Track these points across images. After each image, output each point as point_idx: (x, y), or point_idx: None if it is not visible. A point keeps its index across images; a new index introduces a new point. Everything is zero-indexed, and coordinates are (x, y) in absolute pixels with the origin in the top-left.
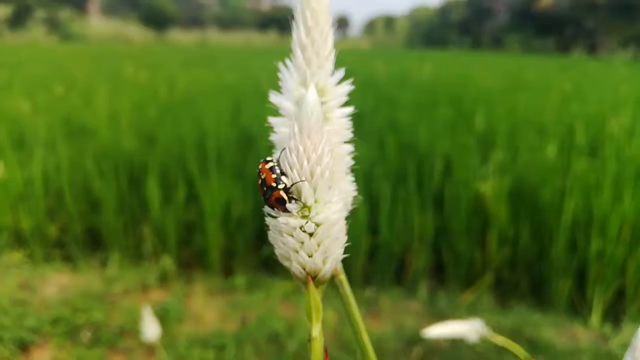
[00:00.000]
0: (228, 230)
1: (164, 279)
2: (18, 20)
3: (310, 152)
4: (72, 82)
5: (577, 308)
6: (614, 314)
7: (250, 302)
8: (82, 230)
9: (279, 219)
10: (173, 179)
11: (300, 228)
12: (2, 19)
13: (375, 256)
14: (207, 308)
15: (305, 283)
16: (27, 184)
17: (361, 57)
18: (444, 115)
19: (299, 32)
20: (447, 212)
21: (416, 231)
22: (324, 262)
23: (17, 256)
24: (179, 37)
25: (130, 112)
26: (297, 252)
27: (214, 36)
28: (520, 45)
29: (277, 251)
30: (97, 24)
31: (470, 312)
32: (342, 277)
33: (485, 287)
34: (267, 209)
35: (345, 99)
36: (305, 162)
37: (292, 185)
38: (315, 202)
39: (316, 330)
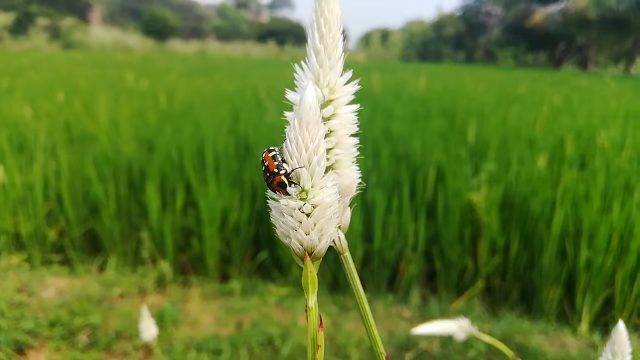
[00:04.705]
0: (224, 237)
1: (161, 284)
2: (20, 27)
3: (309, 143)
4: (73, 89)
5: (567, 316)
6: (603, 323)
7: (245, 307)
8: (80, 235)
9: (280, 201)
10: (172, 185)
11: (299, 209)
12: (4, 26)
13: (369, 263)
14: (203, 312)
15: (303, 258)
16: (27, 189)
17: (357, 69)
18: (437, 127)
19: (313, 38)
20: (440, 221)
21: (409, 239)
22: (319, 239)
23: (15, 260)
24: (179, 47)
25: (131, 119)
26: (295, 230)
27: (214, 47)
28: (512, 59)
29: (278, 230)
30: (99, 32)
31: None
32: (347, 254)
33: (476, 294)
34: (269, 192)
35: (351, 97)
36: (303, 151)
37: (292, 171)
38: (312, 186)
39: (312, 301)
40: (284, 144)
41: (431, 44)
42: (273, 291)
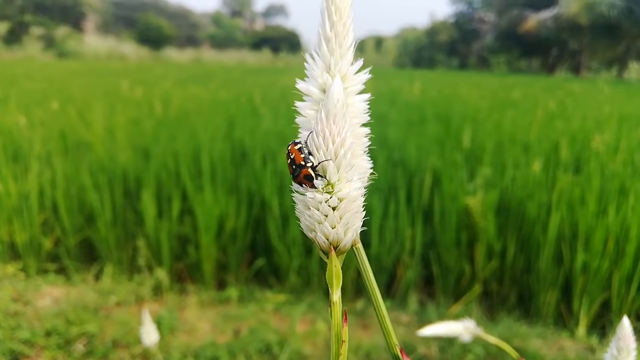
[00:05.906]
0: (221, 244)
1: (157, 292)
2: (14, 37)
3: (335, 136)
4: (68, 98)
5: (564, 320)
6: (600, 326)
7: (242, 314)
8: (76, 243)
9: (307, 194)
10: (168, 192)
11: (325, 202)
12: None
13: None
14: (200, 320)
15: (328, 252)
16: (22, 198)
17: None
18: (432, 132)
19: (324, 25)
20: (436, 226)
21: (406, 244)
22: (345, 233)
23: (11, 269)
24: (174, 55)
25: (126, 127)
26: (321, 223)
27: (209, 55)
28: (506, 65)
29: (303, 223)
30: (93, 41)
31: None
32: (359, 245)
33: (474, 299)
34: (295, 186)
35: (363, 86)
36: (330, 144)
37: (318, 163)
38: (339, 180)
39: (336, 296)
40: (309, 136)
41: (425, 50)
42: (270, 298)
